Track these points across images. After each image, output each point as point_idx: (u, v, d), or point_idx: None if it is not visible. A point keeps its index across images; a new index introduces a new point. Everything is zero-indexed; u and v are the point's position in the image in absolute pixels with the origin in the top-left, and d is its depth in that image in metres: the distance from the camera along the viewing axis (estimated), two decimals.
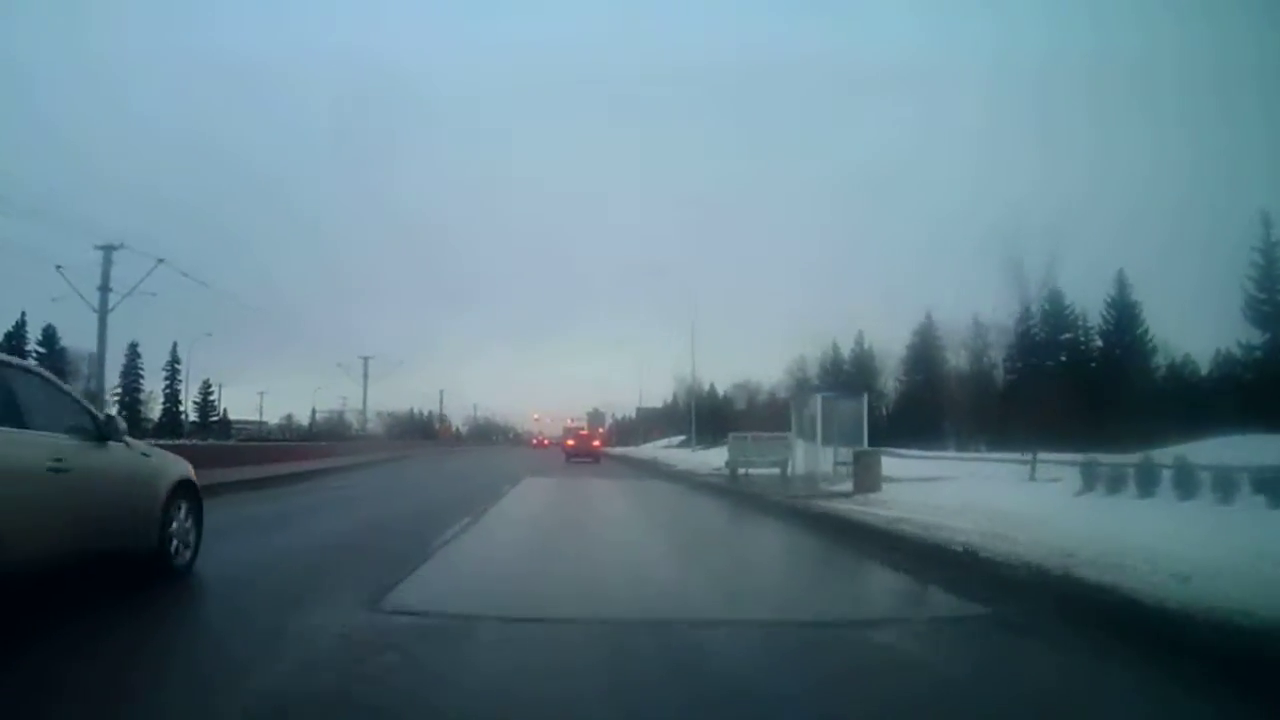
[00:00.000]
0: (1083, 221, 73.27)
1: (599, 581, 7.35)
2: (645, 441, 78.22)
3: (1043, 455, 33.62)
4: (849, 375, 77.78)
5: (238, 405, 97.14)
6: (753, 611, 6.23)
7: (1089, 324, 58.15)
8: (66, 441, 5.82)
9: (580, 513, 14.66)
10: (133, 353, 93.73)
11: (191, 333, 66.47)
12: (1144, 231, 72.33)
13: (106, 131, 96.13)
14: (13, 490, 5.08)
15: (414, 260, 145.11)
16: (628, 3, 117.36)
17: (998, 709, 4.00)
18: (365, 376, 65.87)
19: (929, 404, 66.23)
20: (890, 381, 75.98)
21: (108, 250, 37.28)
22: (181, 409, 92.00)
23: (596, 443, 49.48)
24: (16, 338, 73.35)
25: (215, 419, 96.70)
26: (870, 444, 19.46)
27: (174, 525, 6.92)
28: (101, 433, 6.32)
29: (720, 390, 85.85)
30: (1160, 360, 54.89)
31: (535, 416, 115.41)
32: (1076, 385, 50.80)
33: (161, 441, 11.43)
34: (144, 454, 7.03)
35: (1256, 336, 47.28)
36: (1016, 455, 36.10)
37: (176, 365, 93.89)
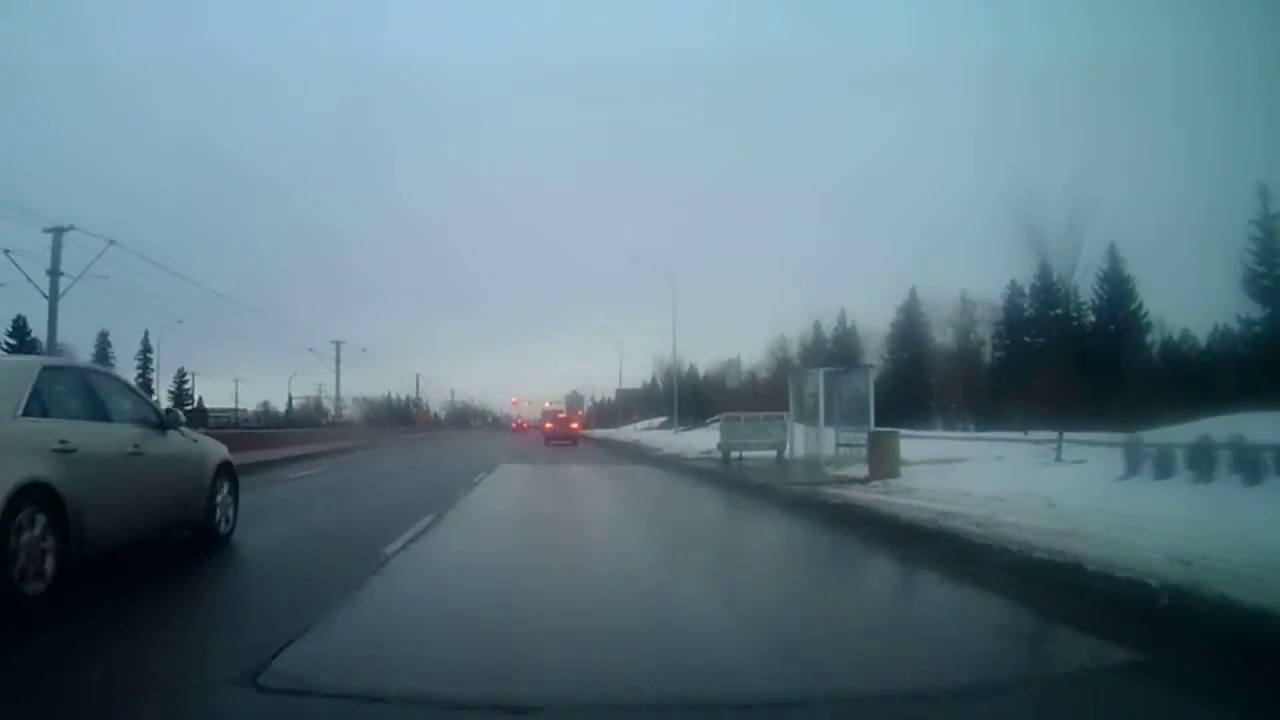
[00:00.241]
0: (1077, 194, 72.18)
1: (593, 621, 5.21)
2: (625, 424, 76.43)
3: (1047, 434, 32.21)
4: (832, 354, 76.38)
5: (216, 394, 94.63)
6: (829, 677, 4.02)
7: (1081, 299, 56.82)
8: (138, 431, 7.02)
9: (561, 509, 12.52)
10: (102, 341, 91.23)
11: (166, 323, 63.86)
12: (1137, 205, 70.98)
13: (98, 126, 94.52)
14: (106, 470, 6.28)
15: (394, 247, 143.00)
16: (627, 2, 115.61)
17: None
18: (338, 361, 63.62)
19: (915, 382, 64.97)
20: (874, 360, 74.63)
21: (57, 233, 34.85)
22: (155, 398, 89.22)
23: (574, 425, 50.21)
24: None
25: (190, 407, 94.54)
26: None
27: (218, 500, 8.22)
28: (163, 423, 7.59)
29: (701, 371, 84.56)
30: (1155, 337, 53.65)
31: (514, 400, 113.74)
32: (1069, 362, 49.53)
33: None
34: (194, 440, 8.25)
35: (1256, 311, 46.05)
36: (1017, 434, 34.78)
37: (148, 354, 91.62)
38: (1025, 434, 35.55)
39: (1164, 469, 12.86)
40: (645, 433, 54.30)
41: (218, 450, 8.51)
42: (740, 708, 3.64)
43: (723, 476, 17.16)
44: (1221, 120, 69.15)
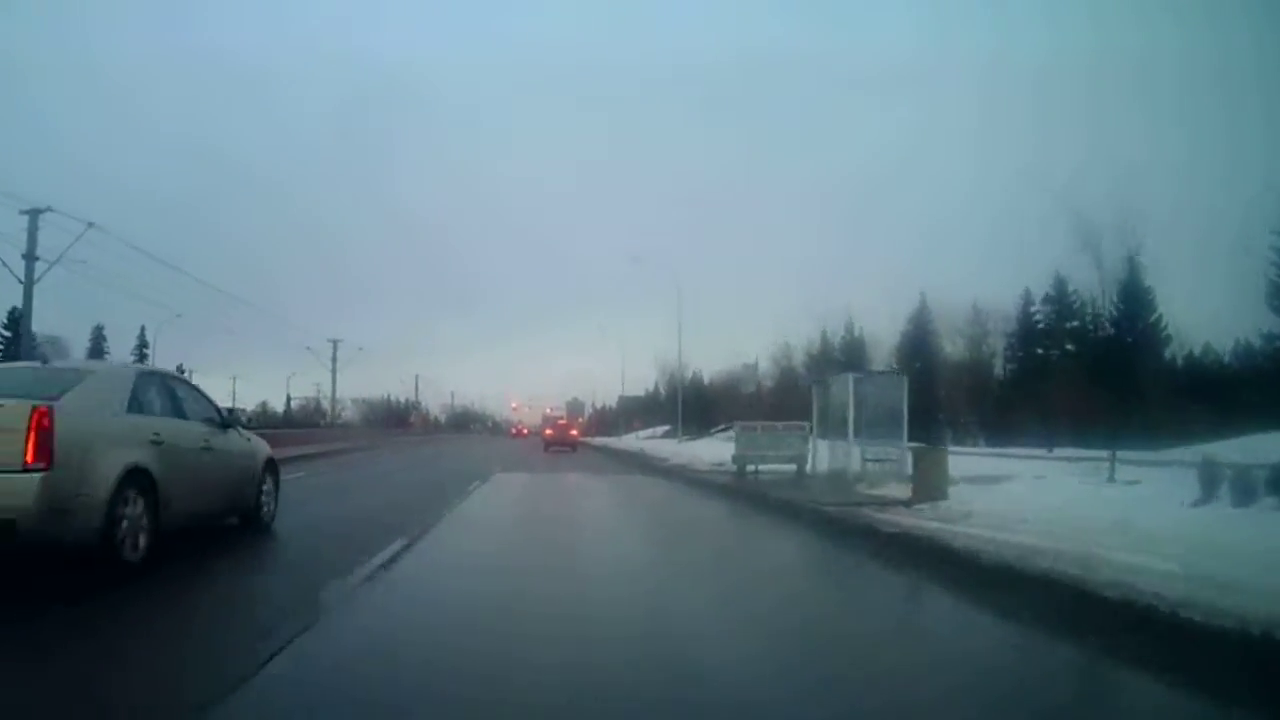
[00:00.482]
0: (1091, 205, 70.90)
1: None
2: (627, 431, 74.80)
3: (1074, 451, 30.66)
4: (839, 363, 74.86)
5: (214, 392, 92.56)
6: None
7: (1098, 311, 55.23)
8: (207, 429, 8.29)
9: (560, 533, 10.37)
10: (98, 335, 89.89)
11: (164, 318, 62.38)
12: (1155, 216, 69.40)
13: (98, 125, 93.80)
14: (186, 460, 7.54)
15: (394, 247, 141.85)
16: (627, 2, 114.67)
17: None
18: (334, 360, 61.85)
19: (924, 394, 63.17)
20: (883, 369, 72.98)
21: (33, 215, 33.23)
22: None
23: (574, 432, 50.72)
24: None
25: None
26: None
27: (264, 490, 9.29)
28: (225, 422, 8.75)
29: (706, 378, 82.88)
30: (1175, 350, 52.01)
31: (514, 405, 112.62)
32: (1087, 375, 48.00)
33: None
34: (247, 438, 9.35)
35: (1279, 325, 44.57)
36: (1039, 450, 33.25)
37: (145, 349, 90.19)
38: (1049, 450, 34.12)
39: (1245, 493, 11.31)
40: (648, 441, 52.65)
41: (265, 448, 9.76)
42: None
43: (742, 493, 15.34)
44: (1244, 126, 67.67)
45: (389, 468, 23.56)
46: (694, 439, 49.75)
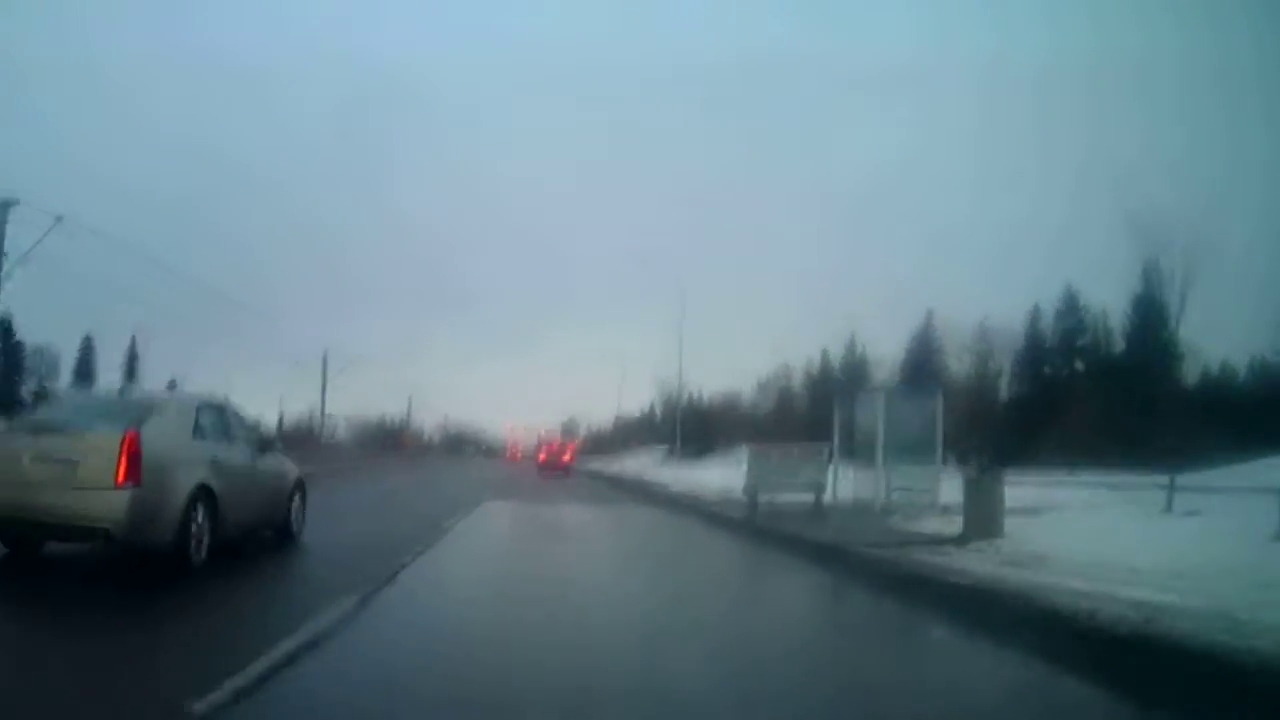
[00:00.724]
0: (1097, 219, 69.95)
1: None
2: (624, 451, 73.02)
3: (1097, 475, 28.97)
4: (838, 383, 73.13)
5: None
6: None
7: (1110, 326, 53.67)
8: (251, 451, 9.22)
9: (550, 590, 7.88)
10: (86, 346, 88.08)
11: (153, 326, 60.97)
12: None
13: (97, 123, 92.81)
14: (237, 479, 8.41)
15: (395, 256, 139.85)
16: (627, 2, 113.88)
17: None
18: (324, 376, 59.78)
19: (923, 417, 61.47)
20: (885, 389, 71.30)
21: (2, 207, 31.47)
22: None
23: (567, 456, 50.92)
24: None
25: None
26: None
27: (294, 507, 10.26)
28: (263, 445, 9.90)
29: (704, 398, 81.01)
30: (1190, 368, 50.33)
31: (509, 427, 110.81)
32: (1099, 395, 46.37)
33: None
34: (282, 460, 10.43)
35: None
36: (1059, 473, 31.56)
37: (135, 360, 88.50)
38: (1070, 473, 32.43)
39: None
40: (645, 464, 50.93)
41: (294, 469, 10.53)
42: None
43: (765, 534, 13.01)
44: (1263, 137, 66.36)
45: (353, 501, 20.09)
46: (693, 461, 48.07)
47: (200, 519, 7.58)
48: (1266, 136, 54.91)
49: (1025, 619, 5.93)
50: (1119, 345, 53.26)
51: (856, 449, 14.78)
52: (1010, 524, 10.90)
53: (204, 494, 7.67)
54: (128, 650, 4.99)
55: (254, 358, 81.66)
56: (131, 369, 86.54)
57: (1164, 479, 21.11)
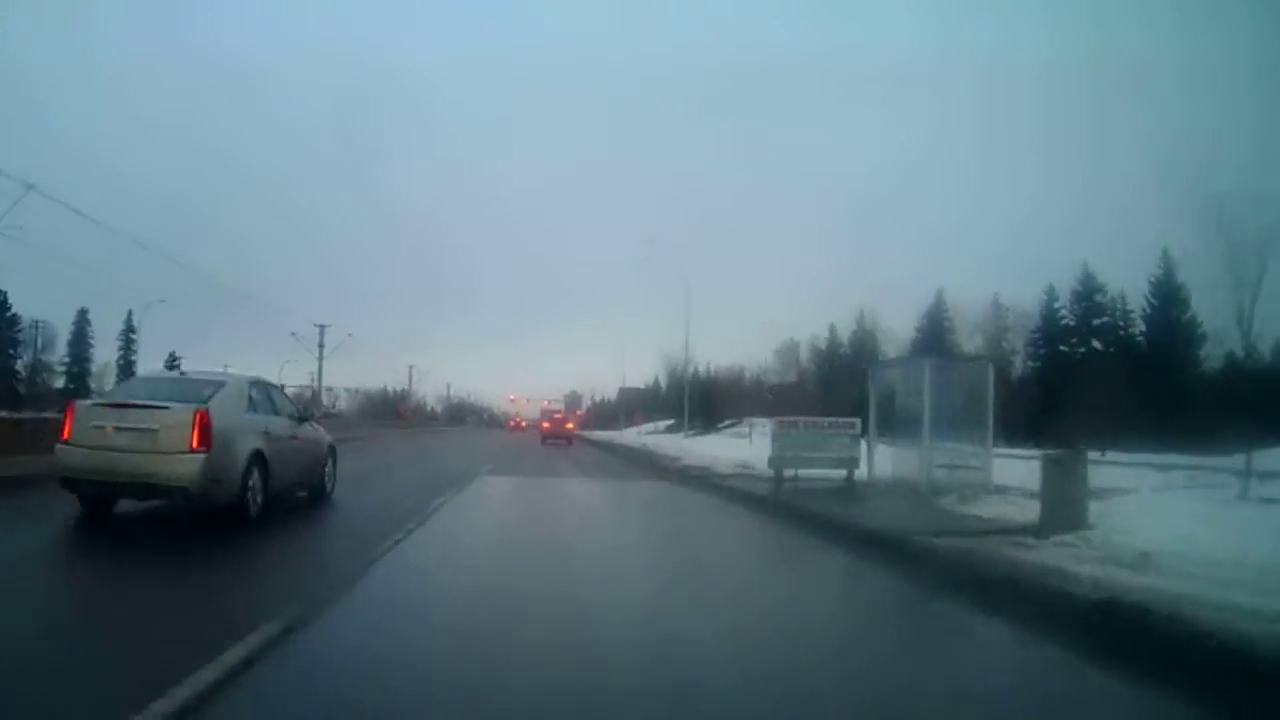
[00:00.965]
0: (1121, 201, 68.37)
1: None
2: (628, 425, 71.69)
3: (1127, 455, 27.62)
4: (846, 359, 71.85)
5: None
6: None
7: (1128, 308, 52.17)
8: (292, 422, 10.65)
9: (550, 586, 6.62)
10: (81, 320, 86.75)
11: (150, 303, 59.79)
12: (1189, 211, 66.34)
13: (98, 119, 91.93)
14: (282, 446, 9.86)
15: (393, 240, 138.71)
16: (627, 2, 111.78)
17: None
18: (321, 347, 58.37)
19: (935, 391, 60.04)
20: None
21: None
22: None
23: (570, 426, 51.37)
24: None
25: None
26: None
27: (327, 470, 11.70)
28: (302, 416, 11.44)
29: (708, 373, 79.53)
30: (1210, 349, 48.81)
31: (511, 398, 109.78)
32: (1118, 375, 44.99)
33: None
34: (317, 429, 11.97)
35: None
36: (1093, 454, 30.14)
37: (131, 335, 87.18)
38: (1102, 454, 31.10)
39: None
40: (651, 437, 49.59)
41: (327, 436, 12.10)
42: None
43: (797, 514, 11.23)
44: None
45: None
46: (700, 434, 46.77)
47: (255, 478, 9.07)
48: None
49: (1206, 658, 4.34)
50: (1138, 326, 51.78)
51: (896, 423, 13.38)
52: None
53: (258, 458, 9.14)
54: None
55: (259, 335, 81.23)
56: (129, 344, 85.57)
57: (1214, 461, 19.89)
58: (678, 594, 6.60)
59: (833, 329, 73.60)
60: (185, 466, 8.25)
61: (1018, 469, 14.30)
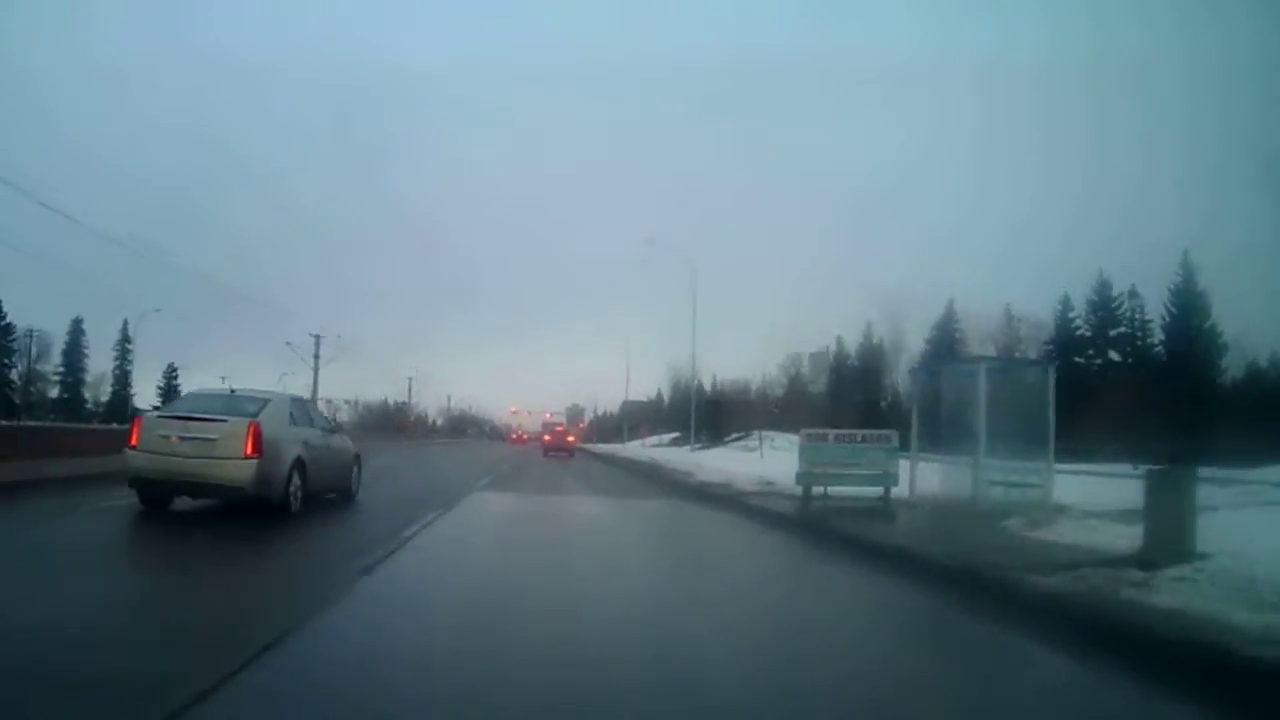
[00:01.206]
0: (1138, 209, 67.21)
1: None
2: (631, 438, 70.26)
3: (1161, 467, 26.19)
4: (854, 371, 70.51)
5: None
6: None
7: (1145, 317, 50.86)
8: (324, 433, 12.30)
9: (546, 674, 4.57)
10: (75, 329, 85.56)
11: (154, 318, 58.91)
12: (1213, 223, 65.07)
13: (100, 116, 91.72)
14: (318, 454, 11.41)
15: (396, 247, 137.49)
16: (627, 2, 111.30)
17: None
18: (316, 358, 56.92)
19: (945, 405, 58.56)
20: (901, 380, 68.61)
21: None
22: (132, 391, 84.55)
23: (571, 438, 52.26)
24: None
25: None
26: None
27: (353, 476, 13.16)
28: (333, 429, 13.49)
29: (713, 386, 78.07)
30: (1232, 360, 47.50)
31: (513, 410, 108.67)
32: (1136, 385, 43.64)
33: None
34: (346, 439, 13.63)
35: None
36: (1121, 466, 28.77)
37: (128, 345, 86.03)
38: (1135, 468, 29.70)
39: None
40: (657, 450, 48.22)
41: (354, 447, 13.73)
42: None
43: (850, 539, 9.65)
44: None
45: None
46: (706, 448, 45.38)
47: (296, 481, 10.54)
48: None
49: None
50: (1157, 336, 50.45)
51: (941, 434, 12.01)
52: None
53: (299, 464, 10.61)
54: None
55: (257, 344, 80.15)
56: (124, 353, 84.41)
57: (1252, 474, 18.54)
58: (752, 679, 4.59)
59: (840, 341, 72.24)
60: (241, 470, 9.77)
61: (1068, 485, 12.97)
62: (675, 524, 13.19)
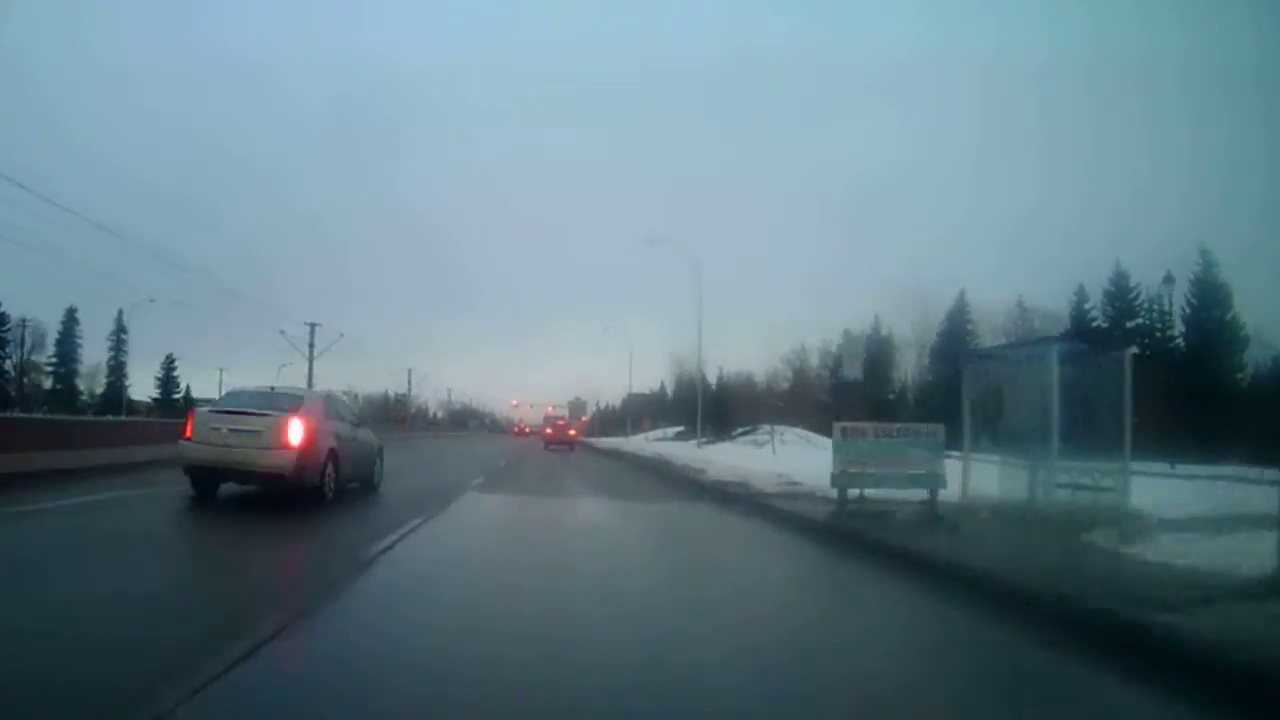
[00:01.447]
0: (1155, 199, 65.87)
1: None
2: (635, 432, 68.94)
3: (1202, 467, 24.92)
4: (865, 361, 69.11)
5: (204, 384, 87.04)
6: None
7: (1164, 309, 49.42)
8: (352, 426, 13.36)
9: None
10: (69, 319, 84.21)
11: (148, 308, 57.93)
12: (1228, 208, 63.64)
13: (100, 115, 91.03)
14: (348, 445, 12.57)
15: (397, 242, 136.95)
16: (627, 2, 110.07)
17: None
18: (311, 347, 55.43)
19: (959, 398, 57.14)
20: (910, 373, 67.25)
21: None
22: (127, 382, 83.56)
23: (571, 432, 53.73)
24: None
25: (178, 396, 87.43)
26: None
27: (376, 467, 14.45)
28: (360, 423, 14.23)
29: (717, 381, 76.68)
30: (1254, 354, 46.12)
31: (514, 403, 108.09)
32: (1157, 380, 42.30)
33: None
34: (370, 433, 14.67)
35: None
36: (1157, 465, 27.47)
37: (122, 335, 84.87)
38: (1172, 467, 28.41)
39: None
40: (661, 444, 46.90)
41: (378, 440, 14.97)
42: None
43: (910, 555, 8.05)
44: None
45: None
46: (712, 443, 44.05)
47: (330, 470, 11.76)
48: None
49: None
50: (1178, 328, 49.03)
51: (1008, 431, 10.67)
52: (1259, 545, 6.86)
53: (332, 455, 11.78)
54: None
55: (255, 337, 79.27)
56: (119, 344, 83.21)
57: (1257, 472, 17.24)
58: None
59: (846, 334, 70.80)
60: (283, 459, 10.93)
61: (1157, 489, 11.79)
62: (697, 535, 11.77)
